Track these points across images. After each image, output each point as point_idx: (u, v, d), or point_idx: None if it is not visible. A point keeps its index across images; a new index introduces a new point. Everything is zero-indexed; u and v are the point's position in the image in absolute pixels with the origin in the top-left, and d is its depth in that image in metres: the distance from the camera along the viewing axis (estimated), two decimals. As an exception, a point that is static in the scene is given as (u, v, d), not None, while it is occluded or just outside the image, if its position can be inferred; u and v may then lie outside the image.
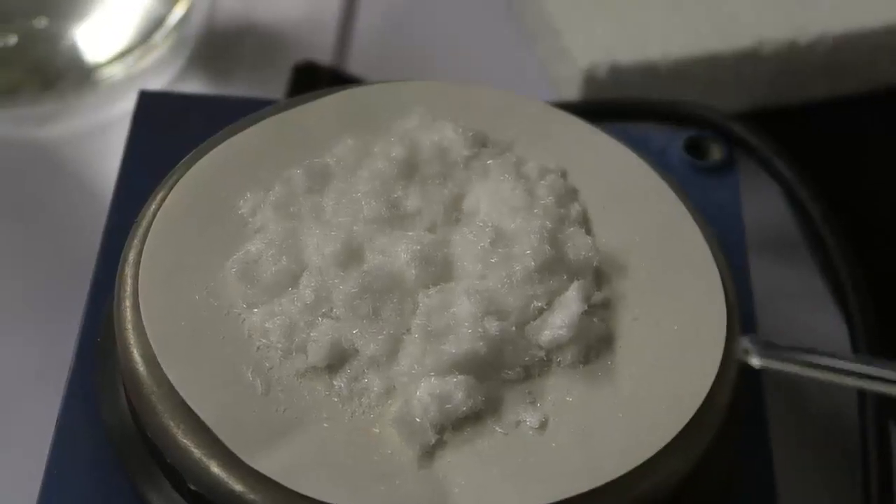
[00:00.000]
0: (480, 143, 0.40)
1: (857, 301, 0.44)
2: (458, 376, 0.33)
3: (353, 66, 0.57)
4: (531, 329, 0.35)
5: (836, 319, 0.46)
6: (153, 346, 0.34)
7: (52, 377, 0.40)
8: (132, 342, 0.34)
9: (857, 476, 0.41)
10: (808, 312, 0.49)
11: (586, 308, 0.35)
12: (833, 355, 0.32)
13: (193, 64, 0.57)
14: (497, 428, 0.34)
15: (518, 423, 0.34)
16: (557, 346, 0.35)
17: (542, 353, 0.35)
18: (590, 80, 0.53)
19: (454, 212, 0.38)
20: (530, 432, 0.33)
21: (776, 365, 0.33)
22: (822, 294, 0.47)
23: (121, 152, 0.44)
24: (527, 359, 0.35)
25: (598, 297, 0.37)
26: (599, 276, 0.37)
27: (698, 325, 0.36)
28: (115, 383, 0.37)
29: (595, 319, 0.35)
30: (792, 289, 0.50)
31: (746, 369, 0.36)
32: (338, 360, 0.34)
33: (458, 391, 0.33)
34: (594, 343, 0.35)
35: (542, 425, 0.34)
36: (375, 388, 0.34)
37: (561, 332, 0.34)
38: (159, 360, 0.34)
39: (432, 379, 0.33)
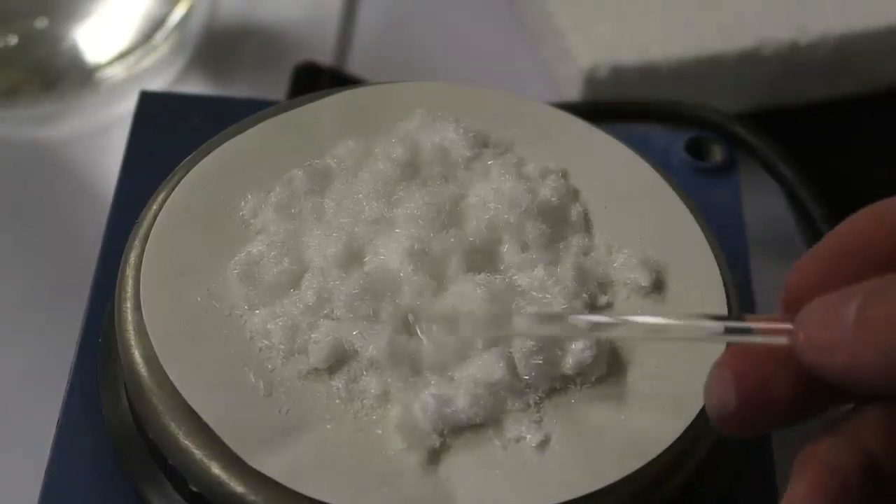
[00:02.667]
0: (481, 143, 0.40)
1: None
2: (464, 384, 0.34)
3: (354, 67, 0.57)
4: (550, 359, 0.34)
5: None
6: (155, 346, 0.34)
7: (53, 377, 0.40)
8: (134, 343, 0.34)
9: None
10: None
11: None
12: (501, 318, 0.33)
13: (194, 64, 0.57)
14: (500, 437, 0.34)
15: (521, 432, 0.34)
16: (583, 369, 0.34)
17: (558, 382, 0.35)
18: (591, 80, 0.53)
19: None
20: (534, 434, 0.33)
21: (444, 338, 0.33)
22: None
23: (121, 153, 0.44)
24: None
25: (601, 300, 0.37)
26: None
27: (699, 325, 0.36)
28: (116, 384, 0.37)
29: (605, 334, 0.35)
30: (792, 289, 0.50)
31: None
32: (339, 361, 0.34)
33: (459, 398, 0.33)
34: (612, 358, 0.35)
35: (547, 434, 0.34)
36: (373, 390, 0.34)
37: (585, 354, 0.34)
38: (161, 360, 0.34)
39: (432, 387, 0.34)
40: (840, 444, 0.28)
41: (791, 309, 0.28)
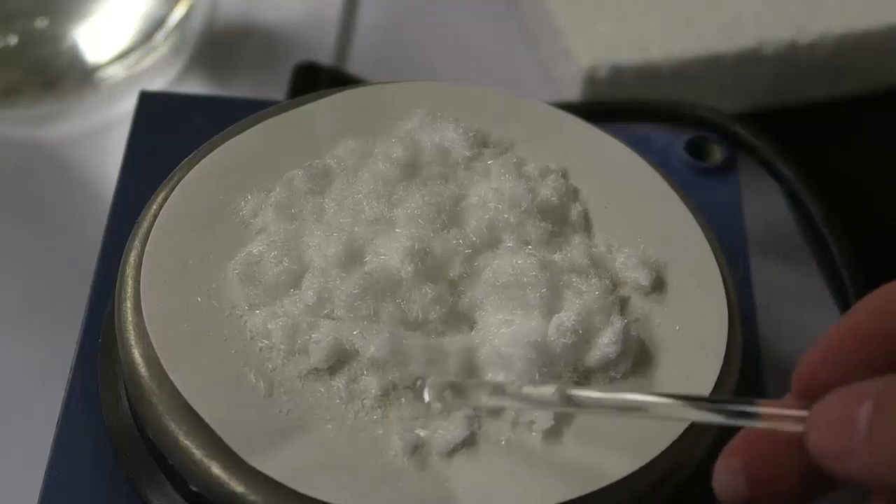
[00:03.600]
0: (481, 143, 0.40)
1: (857, 301, 0.43)
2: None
3: (354, 67, 0.57)
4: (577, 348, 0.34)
5: (836, 319, 0.46)
6: (155, 347, 0.34)
7: (54, 378, 0.40)
8: (134, 343, 0.34)
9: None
10: (808, 312, 0.49)
11: (626, 321, 0.35)
12: (507, 388, 0.32)
13: (194, 64, 0.57)
14: (503, 429, 0.34)
15: (525, 424, 0.34)
16: (605, 364, 0.35)
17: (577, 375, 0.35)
18: (591, 80, 0.53)
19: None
20: (534, 434, 0.33)
21: (454, 405, 0.33)
22: (822, 294, 0.47)
23: (121, 153, 0.44)
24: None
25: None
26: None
27: (699, 325, 0.36)
28: (116, 384, 0.37)
29: (634, 333, 0.35)
30: (792, 289, 0.50)
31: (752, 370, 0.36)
32: (339, 361, 0.34)
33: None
34: (638, 356, 0.35)
35: (550, 428, 0.34)
36: (373, 390, 0.34)
37: (609, 349, 0.34)
38: (161, 361, 0.34)
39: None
40: None
41: (805, 393, 0.27)
